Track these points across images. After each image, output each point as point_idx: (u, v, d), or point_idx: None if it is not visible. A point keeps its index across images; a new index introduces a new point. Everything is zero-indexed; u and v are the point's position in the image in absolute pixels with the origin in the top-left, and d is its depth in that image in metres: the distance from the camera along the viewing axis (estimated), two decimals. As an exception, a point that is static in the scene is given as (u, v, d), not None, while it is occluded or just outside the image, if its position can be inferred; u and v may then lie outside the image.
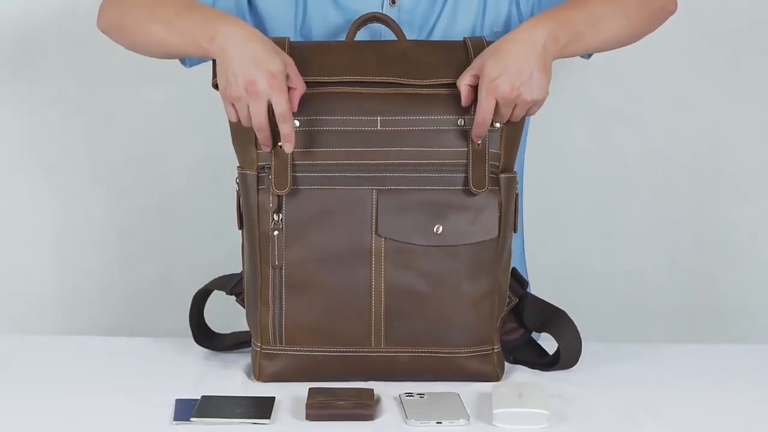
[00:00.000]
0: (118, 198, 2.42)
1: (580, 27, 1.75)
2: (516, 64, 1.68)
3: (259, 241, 1.71)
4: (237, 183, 1.73)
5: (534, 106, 1.71)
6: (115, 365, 1.79)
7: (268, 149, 1.68)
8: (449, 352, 1.71)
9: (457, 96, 1.71)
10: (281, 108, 1.65)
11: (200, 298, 1.85)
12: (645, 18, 1.85)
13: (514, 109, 1.70)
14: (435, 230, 1.69)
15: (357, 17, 1.83)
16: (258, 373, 1.72)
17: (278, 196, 1.68)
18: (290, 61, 1.69)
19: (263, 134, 1.67)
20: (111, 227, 2.43)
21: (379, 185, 1.69)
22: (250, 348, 1.76)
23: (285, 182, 1.68)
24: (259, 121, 1.66)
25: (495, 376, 1.73)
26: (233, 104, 1.68)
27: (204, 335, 1.84)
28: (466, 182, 1.70)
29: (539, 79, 1.69)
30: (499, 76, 1.67)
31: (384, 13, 1.86)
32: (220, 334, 1.85)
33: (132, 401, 1.64)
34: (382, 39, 1.91)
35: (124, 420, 1.57)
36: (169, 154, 2.40)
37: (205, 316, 1.84)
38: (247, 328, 1.78)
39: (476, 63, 1.71)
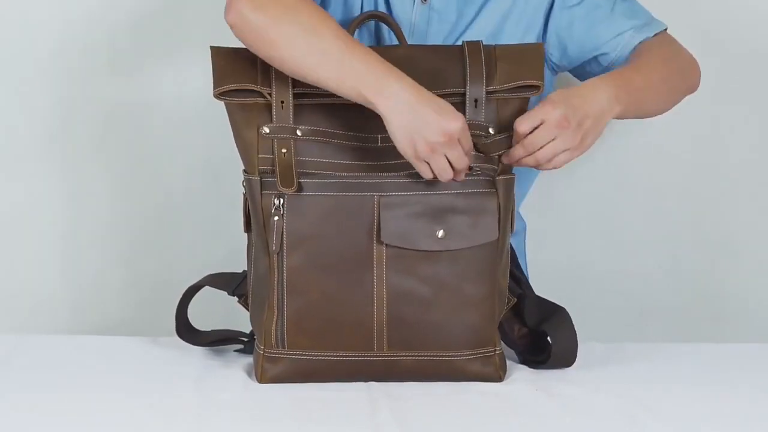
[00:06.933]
0: (118, 198, 2.42)
1: (638, 94, 1.79)
2: (581, 107, 1.69)
3: (267, 245, 1.70)
4: (244, 186, 1.74)
5: (564, 154, 1.69)
6: (115, 365, 1.79)
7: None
8: (451, 355, 1.71)
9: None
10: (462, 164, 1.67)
11: (189, 295, 1.85)
12: (677, 95, 1.94)
13: (542, 147, 1.68)
14: (437, 235, 1.69)
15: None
16: (260, 376, 1.72)
17: (281, 202, 1.68)
18: (461, 119, 1.66)
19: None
20: (111, 227, 2.42)
21: (381, 191, 1.69)
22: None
23: (291, 182, 1.68)
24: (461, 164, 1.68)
25: (497, 377, 1.73)
26: (426, 162, 1.66)
27: (186, 330, 1.85)
28: (465, 186, 1.70)
29: (588, 132, 1.69)
30: (560, 109, 1.67)
31: (383, 12, 1.86)
32: (200, 330, 1.87)
33: (132, 401, 1.64)
34: (383, 38, 1.92)
35: (123, 420, 1.58)
36: (170, 155, 2.39)
37: (189, 311, 1.85)
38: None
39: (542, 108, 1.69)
